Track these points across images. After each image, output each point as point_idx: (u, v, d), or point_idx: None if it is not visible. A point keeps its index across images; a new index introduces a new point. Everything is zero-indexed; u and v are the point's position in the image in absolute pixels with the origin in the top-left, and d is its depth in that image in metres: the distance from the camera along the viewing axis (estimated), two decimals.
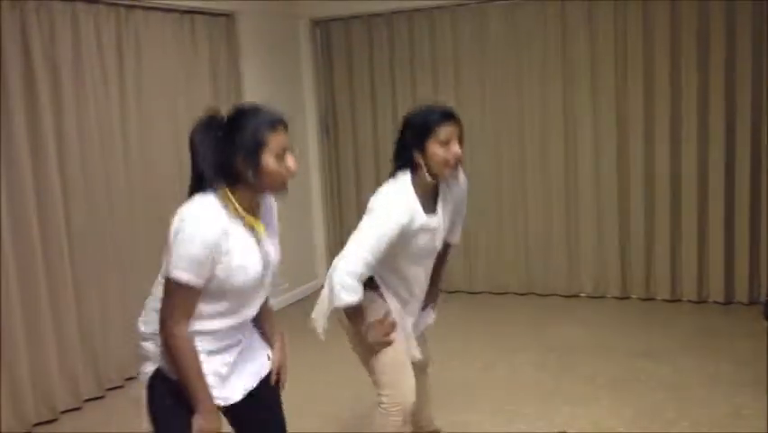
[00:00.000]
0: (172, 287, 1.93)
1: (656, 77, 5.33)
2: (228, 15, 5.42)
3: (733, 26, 5.08)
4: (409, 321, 2.84)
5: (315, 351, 3.50)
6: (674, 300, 5.52)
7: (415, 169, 2.61)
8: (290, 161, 2.00)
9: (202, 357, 2.00)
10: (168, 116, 4.82)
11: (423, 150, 2.57)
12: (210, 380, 2.02)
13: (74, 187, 4.16)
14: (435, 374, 4.27)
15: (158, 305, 2.03)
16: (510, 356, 4.61)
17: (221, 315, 2.03)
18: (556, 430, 3.53)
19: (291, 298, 6.08)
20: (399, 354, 2.71)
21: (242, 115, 1.98)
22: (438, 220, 2.68)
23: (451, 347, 4.78)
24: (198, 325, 2.00)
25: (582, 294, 5.84)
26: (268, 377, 2.24)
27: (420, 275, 2.79)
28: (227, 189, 1.97)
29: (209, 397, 2.00)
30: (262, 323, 2.28)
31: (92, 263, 4.26)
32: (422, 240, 2.64)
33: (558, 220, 5.81)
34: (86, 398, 4.24)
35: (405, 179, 2.61)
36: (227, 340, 2.08)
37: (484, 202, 5.95)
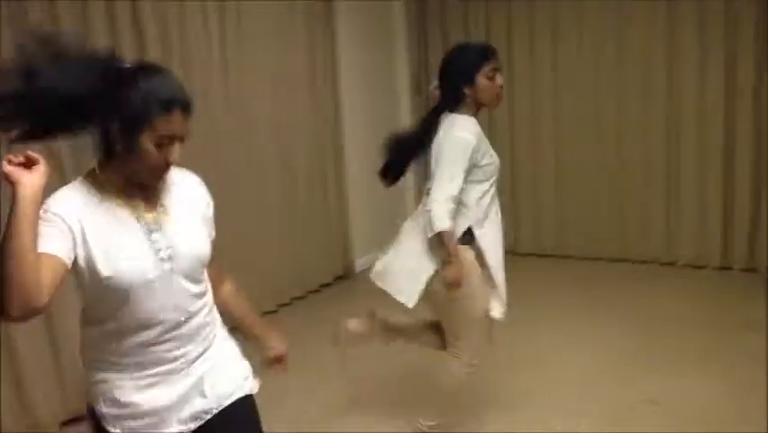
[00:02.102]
0: None
1: None
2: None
3: None
4: (501, 274, 2.93)
5: None
6: None
7: (460, 105, 2.74)
8: (174, 152, 1.60)
9: (113, 389, 1.67)
10: (266, 75, 4.97)
11: (472, 84, 2.71)
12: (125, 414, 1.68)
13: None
14: (521, 337, 4.30)
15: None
16: (600, 323, 4.54)
17: (129, 325, 1.63)
18: (645, 398, 3.47)
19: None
20: (479, 310, 2.84)
21: (137, 77, 1.54)
22: None
23: (539, 312, 4.76)
24: (103, 341, 1.66)
25: (681, 262, 5.65)
26: (243, 399, 1.83)
27: (496, 202, 2.90)
28: (96, 165, 1.63)
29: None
30: (238, 316, 1.97)
31: None
32: (487, 159, 2.76)
33: (658, 184, 5.63)
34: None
35: (456, 115, 2.73)
36: (149, 356, 1.67)
37: (582, 164, 5.83)
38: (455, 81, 2.72)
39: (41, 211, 1.49)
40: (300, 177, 5.29)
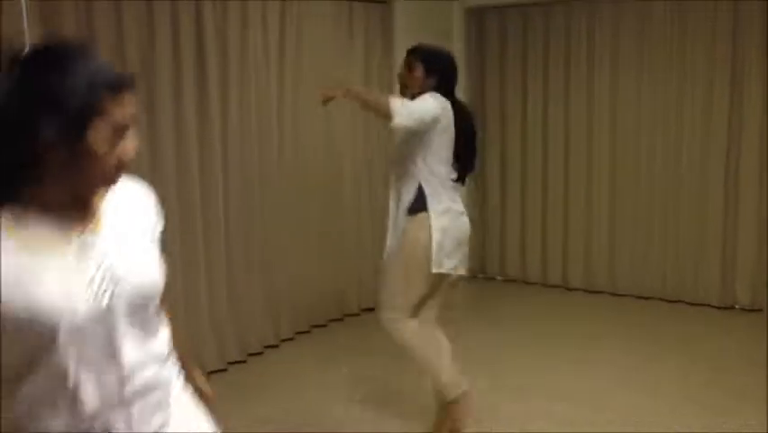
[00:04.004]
0: None
1: None
2: (385, 2, 5.52)
3: None
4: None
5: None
6: None
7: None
8: (130, 142, 1.25)
9: None
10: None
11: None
12: None
13: (233, 169, 4.41)
14: (573, 374, 4.22)
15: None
16: (652, 363, 4.42)
17: (44, 391, 1.20)
18: None
19: None
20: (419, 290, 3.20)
21: (56, 56, 1.18)
22: None
23: (590, 350, 4.67)
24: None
25: (737, 306, 5.48)
26: None
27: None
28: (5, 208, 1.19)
29: None
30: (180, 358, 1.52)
31: (241, 246, 4.50)
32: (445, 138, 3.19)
33: (714, 223, 5.47)
34: (230, 361, 4.51)
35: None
36: None
37: (633, 199, 5.74)
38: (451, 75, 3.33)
39: None
40: (347, 195, 5.25)
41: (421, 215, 3.17)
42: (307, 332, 5.07)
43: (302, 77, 4.82)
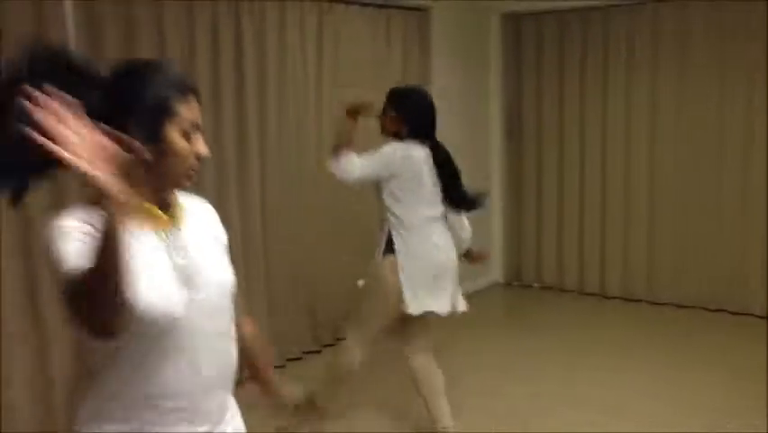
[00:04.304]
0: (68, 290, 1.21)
1: None
2: (422, 10, 5.53)
3: None
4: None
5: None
6: None
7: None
8: (201, 143, 1.43)
9: None
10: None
11: None
12: None
13: (271, 175, 4.46)
14: (607, 383, 4.16)
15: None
16: (691, 374, 4.34)
17: (145, 391, 1.38)
18: None
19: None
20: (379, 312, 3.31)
21: (133, 71, 1.39)
22: None
23: (627, 359, 4.61)
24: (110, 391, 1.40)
25: None
26: None
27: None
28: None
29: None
30: (253, 358, 1.73)
31: (280, 252, 4.55)
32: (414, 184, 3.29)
33: (757, 231, 5.35)
34: (306, 350, 4.66)
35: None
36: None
37: (672, 205, 5.65)
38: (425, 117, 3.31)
39: (60, 227, 1.29)
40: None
41: (389, 258, 3.26)
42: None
43: (340, 83, 4.84)
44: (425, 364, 3.40)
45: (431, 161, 3.24)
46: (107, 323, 1.19)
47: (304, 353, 4.70)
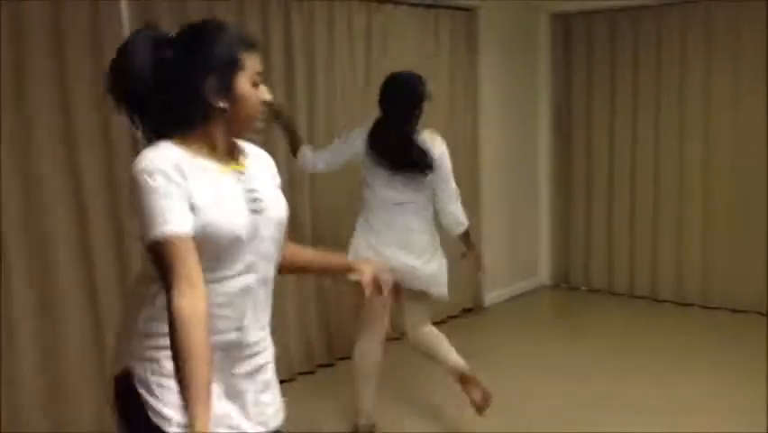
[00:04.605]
0: (160, 252, 1.47)
1: None
2: (470, 10, 5.51)
3: None
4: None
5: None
6: None
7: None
8: (265, 90, 1.66)
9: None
10: None
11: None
12: None
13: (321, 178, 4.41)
14: (658, 387, 4.07)
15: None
16: (746, 381, 4.21)
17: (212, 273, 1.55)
18: None
19: (508, 293, 6.08)
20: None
21: (203, 31, 1.60)
22: None
23: (678, 365, 4.52)
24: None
25: None
26: None
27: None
28: (182, 138, 1.59)
29: (207, 413, 1.43)
30: (310, 259, 2.03)
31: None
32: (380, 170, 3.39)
33: None
34: (319, 363, 4.58)
35: (427, 132, 3.45)
36: (218, 322, 1.57)
37: (727, 207, 5.51)
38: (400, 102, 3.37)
39: (147, 175, 1.48)
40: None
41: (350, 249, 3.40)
42: (397, 339, 5.07)
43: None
44: (423, 337, 3.48)
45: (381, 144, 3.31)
46: None
47: (318, 366, 4.60)
